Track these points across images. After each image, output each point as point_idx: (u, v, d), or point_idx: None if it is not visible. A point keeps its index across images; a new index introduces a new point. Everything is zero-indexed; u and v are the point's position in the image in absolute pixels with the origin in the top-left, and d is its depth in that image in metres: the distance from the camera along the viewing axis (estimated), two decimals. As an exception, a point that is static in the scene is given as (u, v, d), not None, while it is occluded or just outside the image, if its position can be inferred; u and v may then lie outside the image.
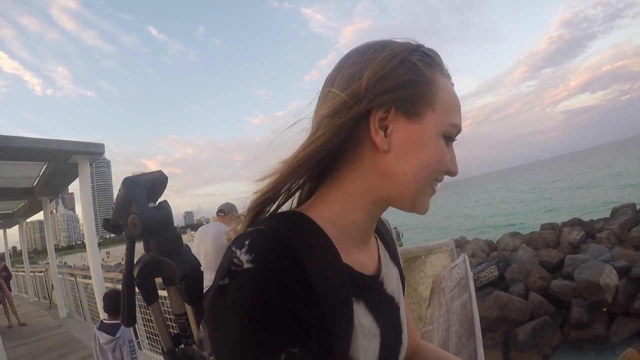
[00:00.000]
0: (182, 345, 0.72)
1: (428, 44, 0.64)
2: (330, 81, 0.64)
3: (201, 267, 0.72)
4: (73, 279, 9.30)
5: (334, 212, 0.63)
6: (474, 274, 10.97)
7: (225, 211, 4.11)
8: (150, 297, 0.72)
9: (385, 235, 0.81)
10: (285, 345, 0.47)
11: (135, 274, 0.70)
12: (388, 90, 0.59)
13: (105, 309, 3.50)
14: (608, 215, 15.43)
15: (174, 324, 0.76)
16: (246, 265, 0.48)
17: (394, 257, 0.80)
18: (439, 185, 0.65)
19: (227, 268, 0.50)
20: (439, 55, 0.65)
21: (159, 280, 0.75)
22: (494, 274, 11.33)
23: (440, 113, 0.61)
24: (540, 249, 12.63)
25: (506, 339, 9.20)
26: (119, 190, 0.71)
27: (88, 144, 6.23)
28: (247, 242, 0.50)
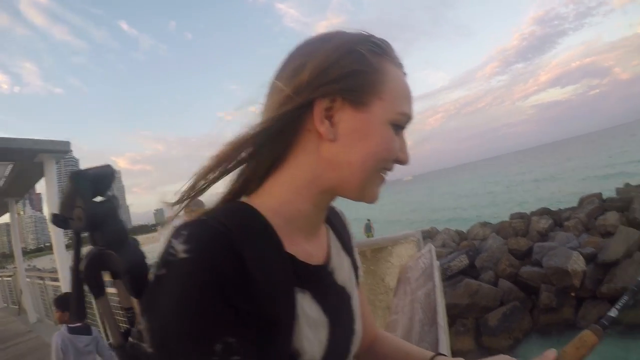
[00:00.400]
0: (130, 339, 0.72)
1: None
2: (278, 73, 0.65)
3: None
4: (42, 282, 9.07)
5: (279, 202, 0.63)
6: (444, 263, 11.22)
7: (193, 207, 4.08)
8: (97, 291, 0.71)
9: (337, 226, 0.80)
10: (221, 335, 0.47)
11: (81, 267, 0.70)
12: (332, 81, 0.59)
13: (70, 312, 3.39)
14: (575, 205, 15.82)
15: (124, 319, 0.76)
16: (181, 255, 0.48)
17: (346, 247, 0.80)
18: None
19: (164, 258, 0.50)
20: (390, 45, 0.66)
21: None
22: (465, 262, 11.62)
23: (388, 102, 0.62)
24: (510, 237, 12.93)
25: (477, 325, 9.47)
26: (66, 184, 0.70)
27: (54, 142, 6.09)
28: (184, 233, 0.50)
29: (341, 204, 0.81)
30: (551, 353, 0.67)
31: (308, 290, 0.61)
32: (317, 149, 0.62)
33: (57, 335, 3.35)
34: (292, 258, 0.60)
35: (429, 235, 17.34)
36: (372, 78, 0.61)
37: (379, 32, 0.66)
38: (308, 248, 0.66)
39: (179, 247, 0.49)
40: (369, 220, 21.40)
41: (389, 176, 0.67)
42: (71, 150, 6.60)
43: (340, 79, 0.60)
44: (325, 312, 0.64)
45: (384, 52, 0.64)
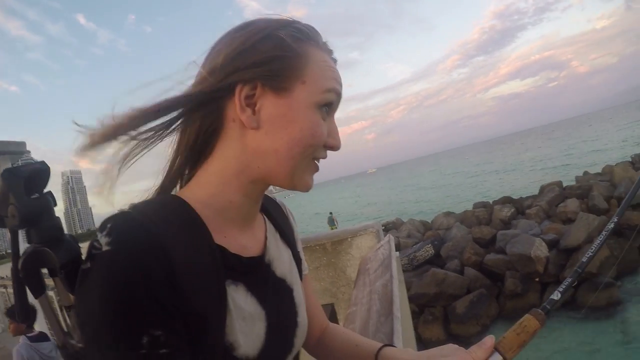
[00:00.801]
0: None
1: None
2: (204, 61, 0.64)
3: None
4: (5, 290, 8.74)
5: (208, 194, 0.63)
6: (410, 254, 11.36)
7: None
8: (37, 290, 0.70)
9: (276, 218, 0.80)
10: (147, 328, 0.46)
11: (19, 266, 0.69)
12: (250, 66, 0.59)
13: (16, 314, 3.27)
14: (536, 193, 16.23)
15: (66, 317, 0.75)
16: (105, 248, 0.48)
17: (286, 239, 0.79)
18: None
19: (89, 252, 0.49)
20: (315, 31, 0.65)
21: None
22: (430, 252, 11.86)
23: (311, 84, 0.61)
24: (473, 226, 13.26)
25: (446, 313, 9.69)
26: (-2, 182, 0.69)
27: (8, 143, 5.84)
28: (108, 225, 0.50)
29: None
30: (489, 340, 0.65)
31: (242, 282, 0.61)
32: (242, 137, 0.62)
33: (20, 347, 3.23)
34: (222, 250, 0.59)
35: (394, 227, 17.56)
36: (293, 63, 0.60)
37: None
38: (242, 240, 0.65)
39: (103, 239, 0.49)
40: (331, 213, 21.71)
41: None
42: (28, 151, 6.36)
43: (259, 64, 0.59)
44: (262, 305, 0.63)
45: (308, 37, 0.63)
